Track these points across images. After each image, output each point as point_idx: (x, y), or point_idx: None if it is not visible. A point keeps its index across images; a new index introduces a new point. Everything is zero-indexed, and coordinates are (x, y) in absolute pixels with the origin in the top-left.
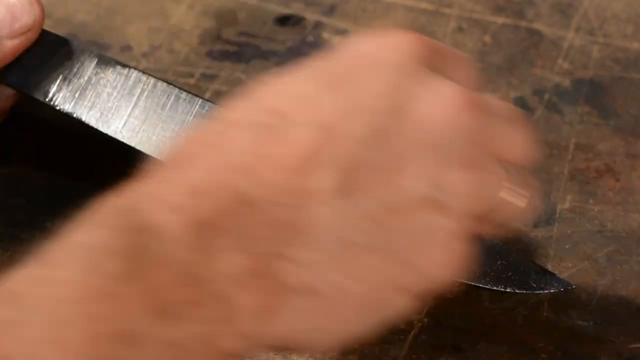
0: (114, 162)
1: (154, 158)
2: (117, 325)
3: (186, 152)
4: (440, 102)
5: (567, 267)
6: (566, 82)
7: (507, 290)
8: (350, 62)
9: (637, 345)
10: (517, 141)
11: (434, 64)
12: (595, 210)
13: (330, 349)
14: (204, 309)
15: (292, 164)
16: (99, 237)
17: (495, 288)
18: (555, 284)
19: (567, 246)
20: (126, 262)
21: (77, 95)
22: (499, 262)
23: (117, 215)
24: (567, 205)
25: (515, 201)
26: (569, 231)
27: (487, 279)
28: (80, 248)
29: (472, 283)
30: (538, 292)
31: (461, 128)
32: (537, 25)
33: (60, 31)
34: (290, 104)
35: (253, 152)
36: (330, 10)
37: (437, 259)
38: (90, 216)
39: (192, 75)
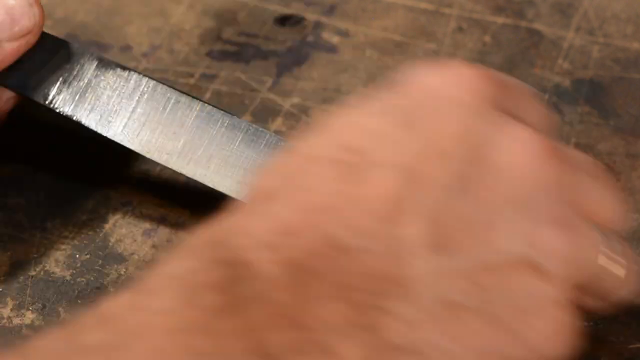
0: (114, 163)
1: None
2: None
3: (269, 187)
4: (520, 149)
5: None
6: (566, 82)
7: None
8: (421, 97)
9: (637, 345)
10: (605, 200)
11: (503, 102)
12: None
13: None
14: (306, 357)
15: (379, 209)
16: (192, 269)
17: None
18: None
19: None
20: (222, 296)
21: (76, 97)
22: None
23: (209, 247)
24: None
25: (614, 269)
26: None
27: None
28: (174, 278)
29: None
30: None
31: (545, 180)
32: (537, 25)
33: (60, 31)
34: (367, 141)
35: (337, 191)
36: (330, 10)
37: (543, 329)
38: (182, 248)
39: (192, 75)
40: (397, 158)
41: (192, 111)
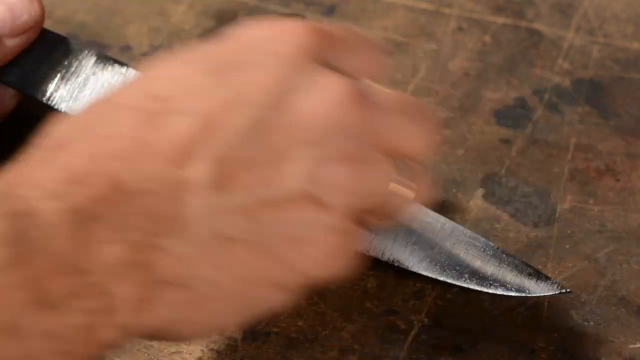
0: None
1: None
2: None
3: (66, 134)
4: (323, 97)
5: (567, 267)
6: (566, 82)
7: (503, 293)
8: (238, 48)
9: (637, 345)
10: (409, 134)
11: (327, 55)
12: (595, 210)
13: (199, 338)
14: (84, 300)
15: (168, 153)
16: None
17: (490, 291)
18: (551, 288)
19: (567, 246)
20: (8, 248)
21: (74, 94)
22: (492, 265)
23: None
24: (567, 205)
25: (402, 193)
26: (569, 231)
27: (483, 282)
28: None
29: (467, 286)
30: (533, 295)
31: (343, 124)
32: (537, 25)
33: (60, 31)
34: (172, 89)
35: (132, 137)
36: (330, 10)
37: (312, 254)
38: None
39: None
40: (198, 105)
41: None
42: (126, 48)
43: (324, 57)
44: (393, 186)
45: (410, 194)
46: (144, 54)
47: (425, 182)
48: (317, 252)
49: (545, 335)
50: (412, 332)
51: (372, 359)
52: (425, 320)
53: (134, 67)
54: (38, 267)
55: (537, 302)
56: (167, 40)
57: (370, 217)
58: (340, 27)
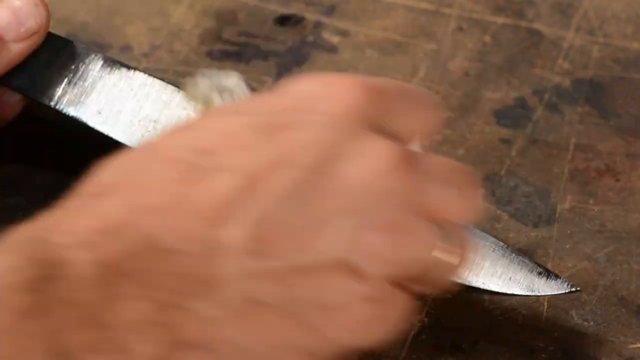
0: None
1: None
2: None
3: (105, 182)
4: (369, 165)
5: (567, 267)
6: (566, 82)
7: (511, 293)
8: (288, 106)
9: (637, 345)
10: (453, 201)
11: (378, 114)
12: (595, 210)
13: None
14: (101, 356)
15: (206, 212)
16: (7, 267)
17: (498, 291)
18: (559, 286)
19: (567, 246)
20: (32, 296)
21: (82, 98)
22: (501, 265)
23: (29, 244)
24: (567, 205)
25: (448, 259)
26: (569, 231)
27: (490, 281)
28: None
29: (475, 285)
30: (542, 295)
31: (386, 192)
32: (537, 25)
33: (60, 31)
34: (218, 143)
35: (172, 191)
36: (330, 10)
37: (345, 323)
38: (3, 243)
39: (192, 76)
40: (242, 163)
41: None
42: (126, 48)
43: (374, 118)
44: (436, 254)
45: (454, 260)
46: (144, 54)
47: (468, 248)
48: (350, 320)
49: (545, 335)
50: (412, 332)
51: (372, 359)
52: (425, 320)
53: (141, 71)
54: (59, 318)
55: (537, 302)
56: (167, 40)
57: (414, 285)
58: (392, 83)
